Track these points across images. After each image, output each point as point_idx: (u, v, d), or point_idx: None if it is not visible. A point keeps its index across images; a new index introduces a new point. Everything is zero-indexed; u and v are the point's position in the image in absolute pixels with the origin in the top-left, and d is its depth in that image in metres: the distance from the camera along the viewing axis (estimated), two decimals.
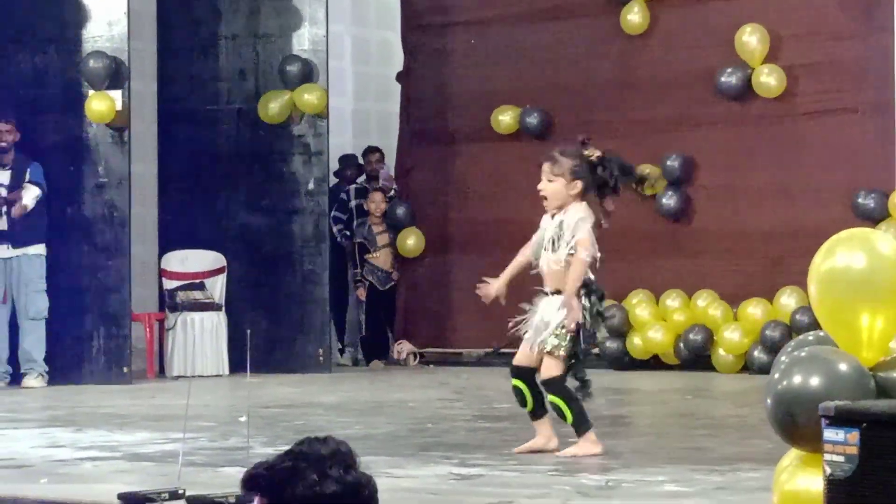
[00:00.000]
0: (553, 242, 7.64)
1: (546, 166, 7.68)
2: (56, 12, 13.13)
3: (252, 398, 10.01)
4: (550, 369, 7.63)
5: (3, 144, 12.66)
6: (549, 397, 7.68)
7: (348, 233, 15.28)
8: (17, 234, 12.65)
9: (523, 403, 7.78)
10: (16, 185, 12.66)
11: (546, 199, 7.68)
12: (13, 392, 12.21)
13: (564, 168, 7.63)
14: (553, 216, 7.70)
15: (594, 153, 7.72)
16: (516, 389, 7.75)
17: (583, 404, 7.68)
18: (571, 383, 7.66)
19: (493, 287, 7.96)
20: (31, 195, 12.62)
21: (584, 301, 7.58)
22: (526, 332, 7.72)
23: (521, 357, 7.76)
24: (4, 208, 12.65)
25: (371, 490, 3.06)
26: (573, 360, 7.61)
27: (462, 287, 14.79)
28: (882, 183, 12.87)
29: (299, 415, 10.01)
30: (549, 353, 7.60)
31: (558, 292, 7.62)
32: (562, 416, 7.67)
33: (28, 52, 13.14)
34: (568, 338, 7.57)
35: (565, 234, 7.59)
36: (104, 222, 12.97)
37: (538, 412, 7.78)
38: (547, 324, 7.61)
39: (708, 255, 13.74)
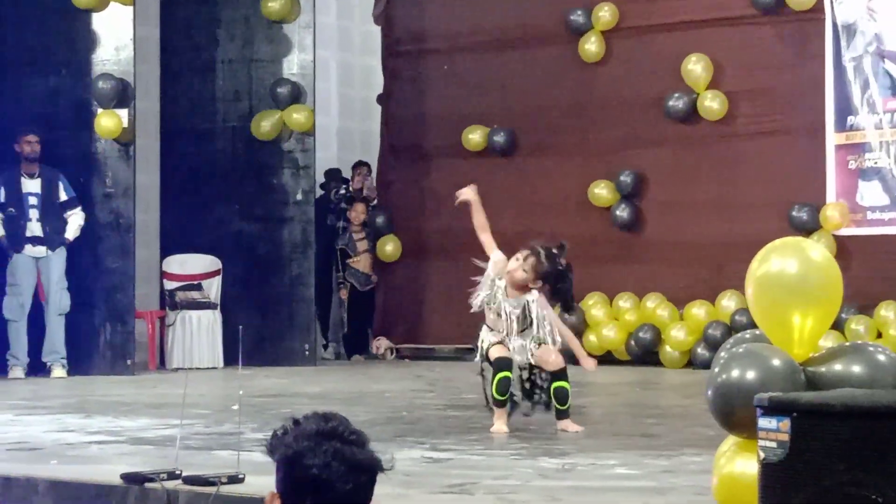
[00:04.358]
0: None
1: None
2: (69, 38, 13.09)
3: (244, 388, 9.97)
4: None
5: (33, 154, 12.59)
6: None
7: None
8: (50, 238, 12.59)
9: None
10: (47, 194, 12.57)
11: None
12: (30, 382, 12.14)
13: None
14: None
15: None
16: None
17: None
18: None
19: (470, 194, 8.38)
20: (75, 226, 12.63)
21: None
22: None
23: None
24: (37, 215, 12.58)
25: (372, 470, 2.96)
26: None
27: (435, 289, 14.81)
28: (814, 197, 12.91)
29: (286, 403, 9.96)
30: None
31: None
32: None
33: (43, 74, 13.09)
34: None
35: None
36: (111, 228, 12.91)
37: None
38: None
39: (657, 262, 13.76)
